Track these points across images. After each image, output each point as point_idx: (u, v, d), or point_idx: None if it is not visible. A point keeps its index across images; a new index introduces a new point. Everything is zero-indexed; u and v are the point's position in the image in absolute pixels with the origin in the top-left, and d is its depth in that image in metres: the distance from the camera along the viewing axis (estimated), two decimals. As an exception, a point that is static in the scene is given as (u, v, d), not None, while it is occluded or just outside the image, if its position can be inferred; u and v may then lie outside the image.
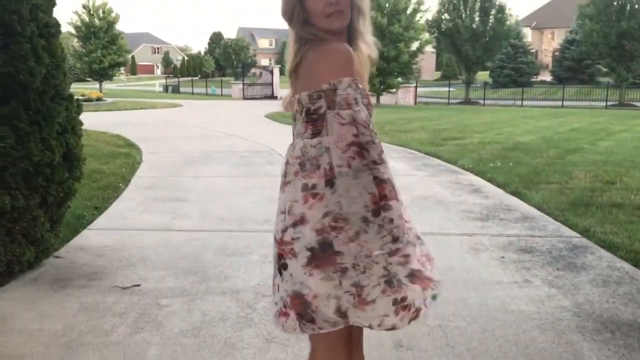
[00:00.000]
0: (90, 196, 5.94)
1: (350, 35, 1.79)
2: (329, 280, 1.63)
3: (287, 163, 1.75)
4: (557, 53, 49.67)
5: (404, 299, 1.66)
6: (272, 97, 32.73)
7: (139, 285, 3.62)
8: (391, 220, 1.65)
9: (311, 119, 1.71)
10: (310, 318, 1.64)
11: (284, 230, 1.69)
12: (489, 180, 7.17)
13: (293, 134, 1.81)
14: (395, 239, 1.65)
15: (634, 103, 28.52)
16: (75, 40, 34.84)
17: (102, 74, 34.76)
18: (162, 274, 3.82)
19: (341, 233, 1.63)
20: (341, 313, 1.64)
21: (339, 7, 1.71)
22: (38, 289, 3.57)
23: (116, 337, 2.91)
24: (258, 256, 4.19)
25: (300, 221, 1.66)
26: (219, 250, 4.34)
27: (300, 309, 1.65)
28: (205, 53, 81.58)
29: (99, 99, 24.85)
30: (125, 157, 8.79)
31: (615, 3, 29.30)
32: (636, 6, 28.91)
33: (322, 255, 1.64)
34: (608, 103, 28.21)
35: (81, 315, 3.18)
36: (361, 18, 1.78)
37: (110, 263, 4.04)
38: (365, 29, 1.81)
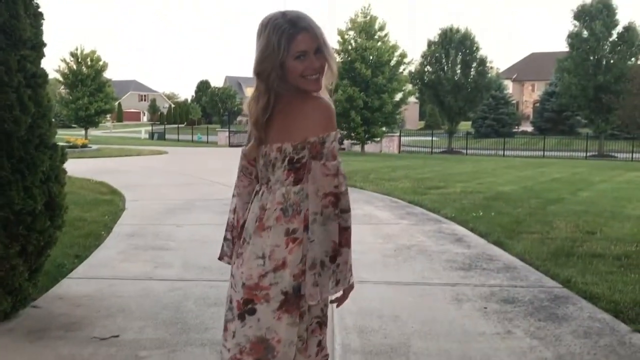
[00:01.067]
0: (72, 244, 5.88)
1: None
2: (294, 326, 1.74)
3: (264, 208, 1.79)
4: (537, 104, 50.94)
5: (323, 340, 1.86)
6: (258, 145, 32.94)
7: (117, 336, 3.56)
8: (338, 265, 1.75)
9: (294, 167, 1.78)
10: None
11: (263, 276, 1.75)
12: (472, 230, 7.22)
13: (260, 180, 1.86)
14: (337, 282, 1.75)
15: (613, 154, 29.12)
16: (62, 87, 35.08)
17: (88, 121, 34.85)
18: (142, 325, 3.77)
19: (306, 277, 1.72)
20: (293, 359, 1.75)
21: (317, 74, 1.80)
22: (13, 339, 3.49)
23: (92, 391, 2.84)
24: (240, 306, 4.15)
25: (282, 266, 1.74)
26: (200, 300, 4.29)
27: (261, 354, 1.72)
28: (192, 101, 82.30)
29: (84, 146, 24.83)
30: (108, 205, 8.74)
31: (591, 58, 30.29)
32: (611, 61, 29.89)
33: (293, 299, 1.73)
34: (588, 153, 28.79)
35: (57, 367, 3.11)
36: (331, 77, 1.87)
37: (89, 313, 3.97)
38: (329, 84, 1.91)
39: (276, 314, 1.71)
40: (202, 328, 3.72)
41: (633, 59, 29.79)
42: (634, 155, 27.27)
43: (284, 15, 1.77)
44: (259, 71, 1.82)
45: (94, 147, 25.92)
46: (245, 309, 1.77)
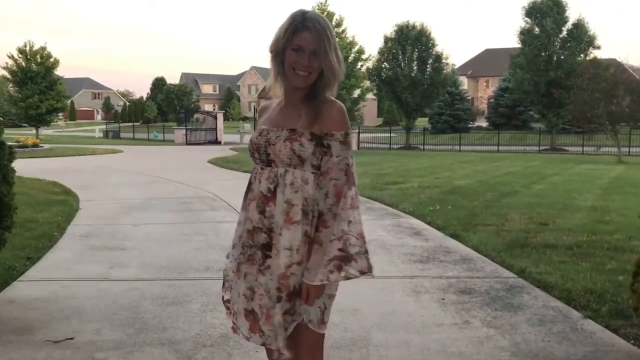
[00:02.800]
0: (23, 246, 5.70)
1: (311, 92, 1.97)
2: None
3: (290, 204, 1.91)
4: (492, 100, 51.93)
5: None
6: (216, 142, 32.63)
7: (72, 338, 3.47)
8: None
9: (315, 159, 1.94)
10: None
11: (289, 266, 1.91)
12: (429, 223, 7.32)
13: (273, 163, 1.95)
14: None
15: (565, 147, 29.97)
16: (11, 85, 33.89)
17: (39, 120, 33.73)
18: (98, 326, 3.68)
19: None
20: None
21: (306, 72, 1.93)
22: (-39, 346, 3.36)
23: (46, 395, 2.76)
24: (198, 305, 4.10)
25: (301, 263, 1.91)
26: (157, 300, 4.22)
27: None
28: (148, 98, 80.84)
29: (35, 145, 24.07)
30: (62, 205, 8.51)
31: (543, 54, 31.04)
32: (562, 57, 30.72)
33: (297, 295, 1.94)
34: (541, 147, 29.53)
35: (8, 373, 3.01)
36: (330, 85, 1.98)
37: (42, 316, 3.86)
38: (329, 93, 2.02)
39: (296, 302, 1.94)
40: (160, 328, 3.66)
41: (582, 54, 30.65)
42: (584, 148, 28.14)
43: (304, 13, 1.96)
44: (270, 50, 2.00)
45: (46, 146, 25.19)
46: (279, 295, 1.92)
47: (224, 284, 2.13)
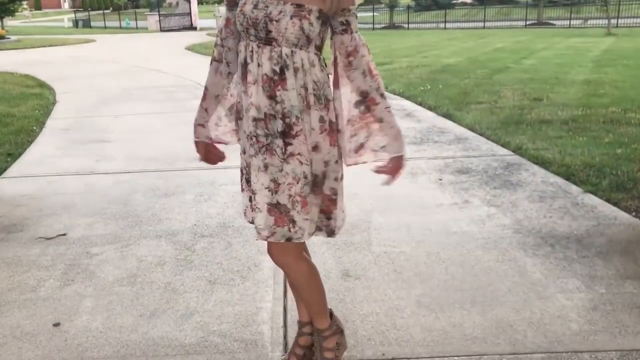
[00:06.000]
0: (1, 142, 5.48)
1: None
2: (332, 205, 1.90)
3: (305, 87, 1.75)
4: (477, -27, 49.81)
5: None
6: (191, 27, 31.37)
7: (64, 234, 3.37)
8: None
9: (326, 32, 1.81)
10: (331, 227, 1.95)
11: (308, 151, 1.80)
12: (420, 104, 7.15)
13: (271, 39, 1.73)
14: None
15: (551, 22, 29.22)
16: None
17: (3, 10, 31.79)
18: (90, 221, 3.57)
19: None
20: None
21: None
22: (-50, 246, 3.25)
23: (44, 292, 2.69)
24: (192, 195, 3.99)
25: (315, 148, 1.79)
26: (149, 192, 4.10)
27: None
28: (116, -17, 76.44)
29: (1, 37, 22.91)
30: (38, 98, 8.16)
31: None
32: None
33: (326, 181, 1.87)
34: (527, 22, 28.75)
35: (2, 271, 2.91)
36: None
37: (31, 213, 3.73)
38: None
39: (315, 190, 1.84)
40: (155, 220, 3.56)
41: None
42: (572, 22, 27.44)
43: None
44: None
45: (14, 37, 24.00)
46: (316, 180, 1.84)
47: (242, 182, 1.93)
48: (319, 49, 1.78)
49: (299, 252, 1.91)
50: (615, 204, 3.60)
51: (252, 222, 1.87)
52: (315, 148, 1.78)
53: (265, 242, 1.86)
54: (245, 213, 1.96)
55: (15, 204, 3.90)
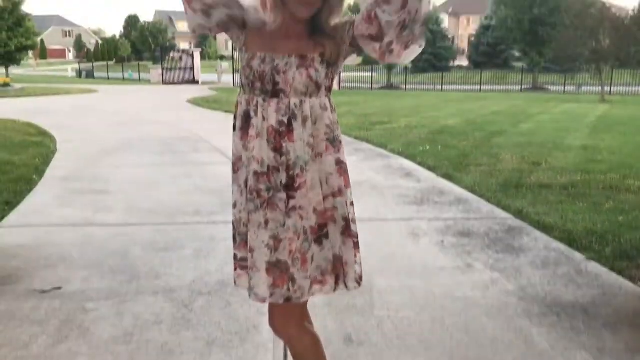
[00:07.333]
0: (0, 190, 5.44)
1: (314, 23, 1.73)
2: (353, 249, 1.81)
3: (312, 136, 1.73)
4: (473, 38, 51.29)
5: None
6: (194, 81, 31.86)
7: (60, 288, 3.29)
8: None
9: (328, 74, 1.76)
10: (344, 281, 1.82)
11: (326, 198, 1.77)
12: (420, 164, 7.19)
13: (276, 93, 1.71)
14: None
15: (547, 86, 29.88)
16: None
17: (9, 58, 32.45)
18: (87, 274, 3.50)
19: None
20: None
21: (310, 4, 1.68)
22: (-58, 297, 3.17)
23: (37, 349, 2.60)
24: (191, 250, 3.93)
25: (339, 193, 1.77)
26: (148, 246, 4.04)
27: (339, 270, 1.82)
28: (121, 36, 78.18)
29: (5, 85, 23.26)
30: (38, 147, 8.18)
31: (527, -10, 30.49)
32: (546, -6, 30.23)
33: (351, 226, 1.80)
34: (523, 86, 29.39)
35: (-6, 325, 2.83)
36: (330, 16, 1.73)
37: (26, 264, 3.66)
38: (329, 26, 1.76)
39: (341, 238, 1.78)
40: (153, 275, 3.50)
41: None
42: (566, 87, 28.06)
43: None
44: None
45: (18, 86, 24.36)
46: (322, 233, 1.78)
47: (235, 239, 1.86)
48: (329, 90, 1.78)
49: (302, 322, 1.85)
50: (619, 273, 3.56)
51: (245, 287, 1.82)
52: (339, 192, 1.76)
53: (265, 304, 1.81)
54: (235, 281, 1.90)
55: (11, 255, 3.83)
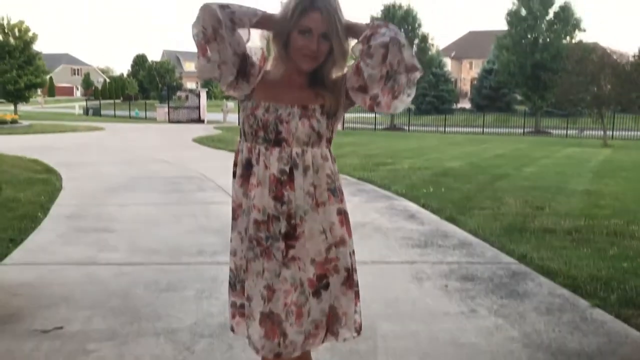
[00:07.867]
0: (5, 227, 5.46)
1: (316, 75, 1.80)
2: (352, 301, 1.84)
3: (314, 186, 1.76)
4: (475, 82, 51.93)
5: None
6: (199, 120, 32.20)
7: (61, 327, 3.27)
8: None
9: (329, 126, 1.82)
10: (335, 332, 1.82)
11: (328, 249, 1.77)
12: (423, 206, 7.19)
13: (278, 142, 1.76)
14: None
15: (549, 130, 30.08)
16: (-12, 59, 33.01)
17: (18, 96, 33.04)
18: (89, 314, 3.48)
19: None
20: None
21: (314, 56, 1.75)
22: (-58, 336, 3.15)
23: (36, 391, 2.57)
24: (194, 291, 3.91)
25: (341, 242, 1.79)
26: (150, 286, 4.03)
27: (333, 323, 1.81)
28: (129, 75, 79.41)
29: (13, 122, 23.51)
30: (44, 184, 8.23)
31: (529, 36, 31.02)
32: (548, 39, 30.72)
33: (352, 276, 1.83)
34: (525, 130, 29.60)
35: (-6, 366, 2.81)
36: (332, 69, 1.80)
37: (28, 303, 3.65)
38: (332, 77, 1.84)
39: (342, 289, 1.79)
40: (155, 316, 3.48)
41: (568, 37, 30.71)
42: (568, 131, 28.26)
43: None
44: (275, 34, 1.80)
45: (25, 123, 24.61)
46: (320, 284, 1.77)
47: (235, 287, 1.85)
48: (329, 142, 1.82)
49: None
50: (625, 321, 3.52)
51: (244, 335, 1.82)
52: (342, 242, 1.78)
53: None
54: (232, 328, 1.90)
55: (13, 293, 3.83)
